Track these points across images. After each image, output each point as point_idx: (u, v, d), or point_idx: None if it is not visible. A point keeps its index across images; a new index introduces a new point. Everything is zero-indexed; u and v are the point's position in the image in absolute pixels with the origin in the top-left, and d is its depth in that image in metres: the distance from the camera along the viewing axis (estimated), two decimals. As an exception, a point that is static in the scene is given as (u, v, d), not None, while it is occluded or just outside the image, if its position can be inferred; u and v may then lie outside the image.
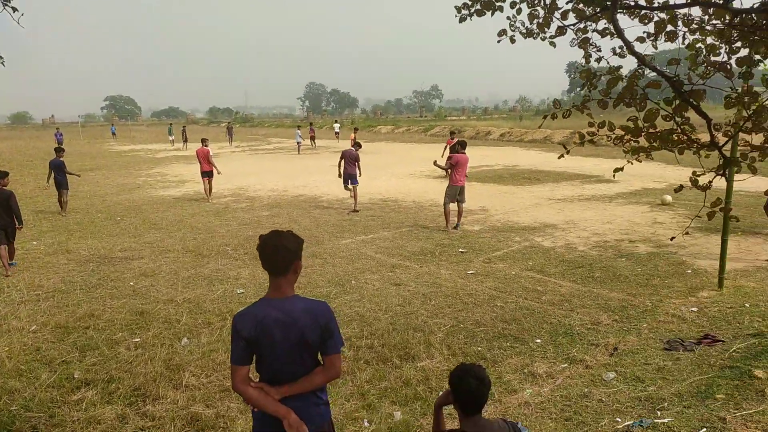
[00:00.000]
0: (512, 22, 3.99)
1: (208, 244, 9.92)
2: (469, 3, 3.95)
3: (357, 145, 13.73)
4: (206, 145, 15.61)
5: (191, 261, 8.86)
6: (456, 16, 4.05)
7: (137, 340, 5.80)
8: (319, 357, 2.67)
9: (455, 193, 10.64)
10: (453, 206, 10.75)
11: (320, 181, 18.33)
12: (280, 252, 2.55)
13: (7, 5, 4.41)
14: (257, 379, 2.65)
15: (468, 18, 4.05)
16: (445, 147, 16.38)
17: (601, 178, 17.17)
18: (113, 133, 54.50)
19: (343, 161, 13.06)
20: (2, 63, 4.86)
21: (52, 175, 13.53)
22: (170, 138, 40.47)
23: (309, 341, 2.55)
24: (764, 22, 2.97)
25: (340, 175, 13.20)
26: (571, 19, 3.77)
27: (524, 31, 4.01)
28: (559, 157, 3.89)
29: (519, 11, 3.91)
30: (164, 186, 18.63)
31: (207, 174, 15.18)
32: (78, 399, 4.63)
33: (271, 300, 2.58)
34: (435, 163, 11.60)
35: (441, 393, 2.71)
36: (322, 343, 2.59)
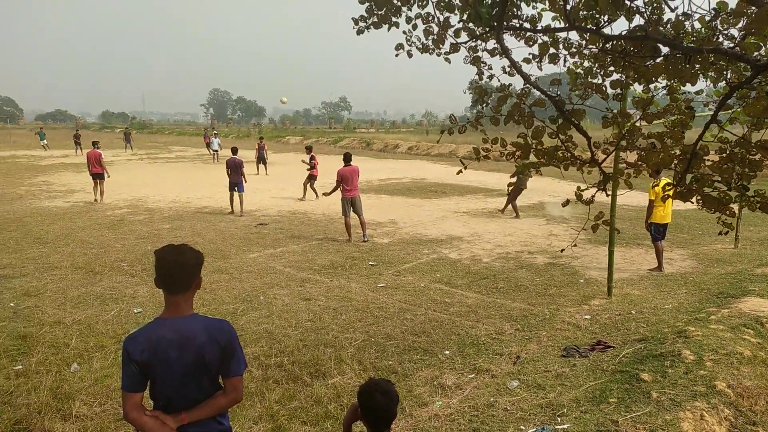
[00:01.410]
0: (408, 37, 4.10)
1: (100, 260, 9.21)
2: (366, 16, 4.03)
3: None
4: (98, 148, 16.23)
5: (82, 278, 8.18)
6: (354, 28, 4.10)
7: (19, 367, 5.23)
8: (220, 380, 2.55)
9: (348, 206, 10.82)
10: (355, 219, 10.93)
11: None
12: (178, 268, 2.40)
13: None
14: (151, 407, 2.49)
15: (366, 30, 4.12)
16: (311, 161, 17.03)
17: (503, 192, 18.08)
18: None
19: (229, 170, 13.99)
20: None
21: None
22: (42, 143, 39.03)
23: (208, 363, 2.41)
24: (632, 48, 3.28)
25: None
26: (465, 37, 3.96)
27: (420, 46, 4.14)
28: (457, 173, 4.05)
29: (415, 27, 4.01)
30: (50, 196, 17.07)
31: (98, 176, 15.75)
32: (-57, 440, 4.09)
33: (167, 320, 2.42)
34: (326, 194, 12.13)
35: (348, 409, 2.68)
36: (223, 365, 2.46)
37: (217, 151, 31.56)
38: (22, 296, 7.33)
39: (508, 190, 13.79)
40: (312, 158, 16.98)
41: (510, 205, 13.77)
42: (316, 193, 16.67)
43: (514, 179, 13.43)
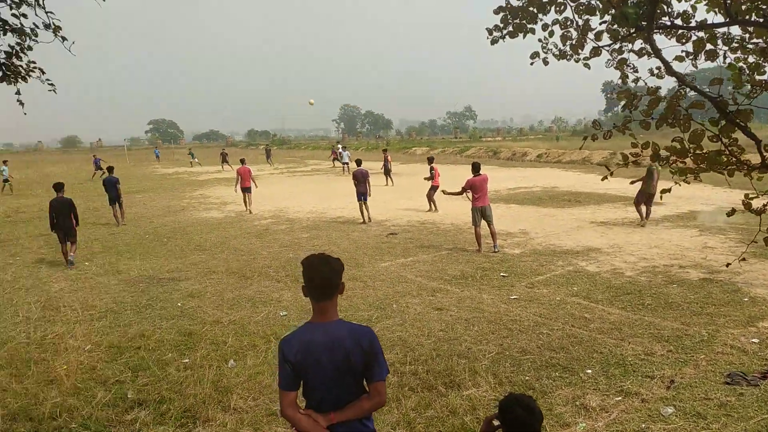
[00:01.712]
0: (545, 44, 3.97)
1: (250, 266, 10.09)
2: (501, 25, 3.96)
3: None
4: (246, 164, 18.10)
5: (235, 282, 9.03)
6: (487, 38, 4.06)
7: (186, 360, 5.91)
8: (364, 384, 2.66)
9: (478, 215, 10.71)
10: (485, 228, 10.79)
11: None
12: (324, 276, 2.56)
13: (57, 34, 4.66)
14: (304, 405, 2.66)
15: (501, 40, 4.05)
16: (431, 170, 17.00)
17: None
18: (157, 156, 56.58)
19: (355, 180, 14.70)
20: (54, 90, 5.12)
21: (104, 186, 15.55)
22: (193, 161, 44.98)
23: (353, 366, 2.54)
24: None
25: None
26: (606, 39, 3.74)
27: (557, 52, 3.99)
28: (602, 179, 3.82)
29: (551, 33, 3.88)
30: (207, 208, 19.11)
31: (247, 189, 17.43)
32: (132, 419, 4.73)
33: (317, 324, 2.59)
34: (444, 192, 12.11)
35: (483, 422, 2.61)
36: (367, 370, 2.58)
37: (347, 163, 33.06)
38: (187, 297, 8.27)
39: (660, 197, 12.74)
40: (431, 169, 17.00)
41: (639, 210, 12.91)
42: (434, 205, 16.55)
43: (639, 182, 12.51)
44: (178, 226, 15.10)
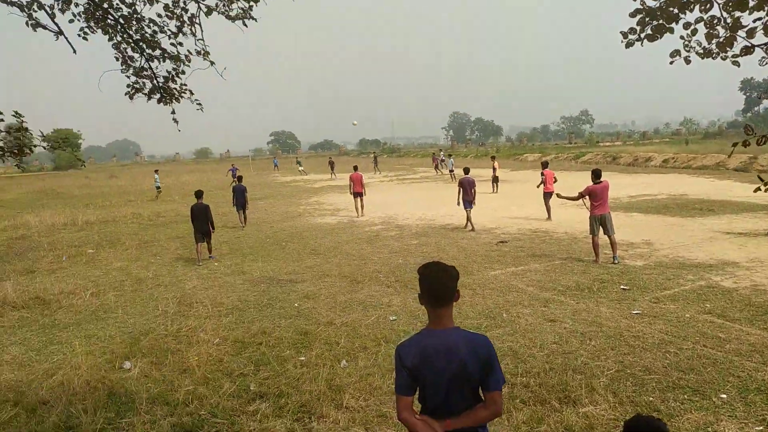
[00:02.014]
0: (686, 42, 3.70)
1: (361, 270, 10.40)
2: (637, 28, 3.75)
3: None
4: (358, 171, 19.09)
5: (347, 286, 9.36)
6: (622, 42, 3.86)
7: (303, 358, 6.24)
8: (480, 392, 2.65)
9: (595, 225, 10.17)
10: (603, 238, 10.22)
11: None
12: (442, 284, 2.59)
13: (207, 58, 5.17)
14: (419, 411, 2.70)
15: (638, 43, 3.84)
16: (542, 175, 16.44)
17: (794, 210, 14.82)
18: (275, 166, 60.38)
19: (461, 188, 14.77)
20: (201, 109, 5.68)
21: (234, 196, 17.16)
22: (299, 169, 49.09)
23: (469, 375, 2.54)
24: None
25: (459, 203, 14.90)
26: (761, 37, 3.41)
27: (701, 51, 3.70)
28: (755, 191, 3.46)
29: (694, 31, 3.62)
30: (321, 214, 20.03)
31: (359, 195, 18.39)
32: (253, 410, 5.09)
33: (433, 331, 2.62)
34: (559, 196, 11.53)
35: None
36: (483, 379, 2.57)
37: (453, 170, 32.97)
38: (303, 298, 8.73)
39: None
40: (542, 174, 16.41)
41: None
42: (549, 212, 16.01)
43: None
44: (295, 231, 15.99)
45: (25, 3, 4.55)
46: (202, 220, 12.11)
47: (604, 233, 10.17)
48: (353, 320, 7.49)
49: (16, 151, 4.65)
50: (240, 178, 18.55)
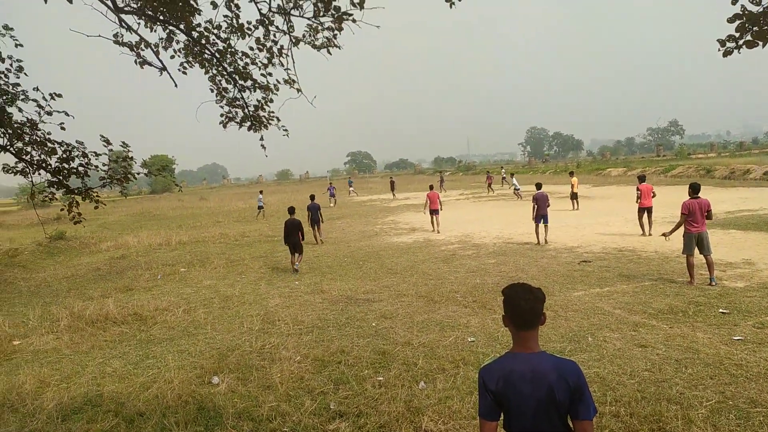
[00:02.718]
0: None
1: (438, 290, 10.33)
2: (736, 35, 3.52)
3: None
4: (433, 190, 20.24)
5: (424, 306, 9.32)
6: (719, 50, 3.65)
7: (381, 378, 6.26)
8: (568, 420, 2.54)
9: (691, 243, 9.47)
10: (699, 258, 9.54)
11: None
12: (529, 307, 2.53)
13: (293, 86, 5.43)
14: None
15: (736, 51, 3.62)
16: (638, 191, 15.65)
17: None
18: (350, 185, 61.61)
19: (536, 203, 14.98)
20: (287, 134, 5.95)
21: (309, 214, 18.44)
22: (350, 188, 49.42)
23: (558, 401, 2.44)
24: None
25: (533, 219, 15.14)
26: None
27: None
28: None
29: None
30: (397, 233, 20.15)
31: (435, 212, 19.40)
32: (333, 429, 5.16)
33: (518, 354, 2.55)
34: (665, 236, 10.22)
35: None
36: (572, 406, 2.47)
37: (518, 189, 32.17)
38: (380, 318, 8.79)
39: None
40: (637, 189, 15.66)
41: None
42: (643, 228, 15.23)
43: None
44: (371, 250, 16.19)
45: (134, 43, 5.01)
46: (294, 233, 13.57)
47: (700, 252, 9.49)
48: (431, 341, 7.44)
49: (122, 178, 5.08)
50: (312, 197, 19.54)
